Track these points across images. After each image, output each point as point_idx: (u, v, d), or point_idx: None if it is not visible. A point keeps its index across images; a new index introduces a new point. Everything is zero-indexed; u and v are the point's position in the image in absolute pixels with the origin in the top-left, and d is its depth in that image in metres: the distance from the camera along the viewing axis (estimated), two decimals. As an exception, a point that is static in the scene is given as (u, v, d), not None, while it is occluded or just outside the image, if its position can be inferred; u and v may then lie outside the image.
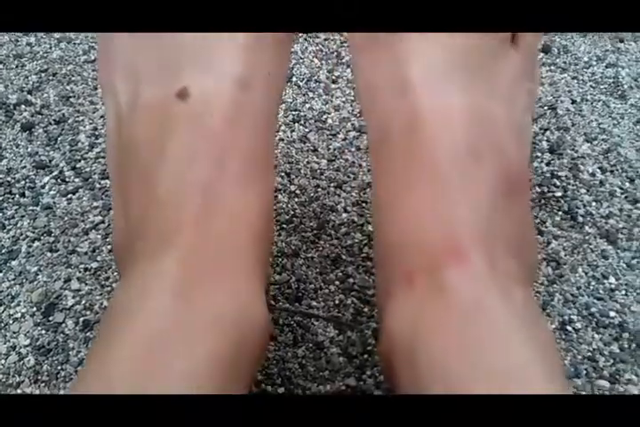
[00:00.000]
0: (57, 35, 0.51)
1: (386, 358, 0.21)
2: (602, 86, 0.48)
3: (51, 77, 0.47)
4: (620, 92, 0.48)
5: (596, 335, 0.32)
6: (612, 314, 0.33)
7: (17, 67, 0.48)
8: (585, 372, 0.31)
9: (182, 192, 0.22)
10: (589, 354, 0.31)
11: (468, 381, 0.18)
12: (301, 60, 0.50)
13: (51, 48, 0.50)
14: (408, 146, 0.23)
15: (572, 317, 0.33)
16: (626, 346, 0.32)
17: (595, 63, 0.50)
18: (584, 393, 0.30)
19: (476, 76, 0.23)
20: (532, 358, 0.19)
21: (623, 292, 0.34)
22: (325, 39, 0.52)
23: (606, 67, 0.50)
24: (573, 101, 0.47)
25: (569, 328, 0.32)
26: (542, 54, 0.51)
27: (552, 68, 0.50)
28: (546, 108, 0.46)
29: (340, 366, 0.31)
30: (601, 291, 0.34)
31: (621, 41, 0.53)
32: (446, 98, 0.23)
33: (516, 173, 0.23)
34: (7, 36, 0.51)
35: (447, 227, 0.21)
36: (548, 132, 0.44)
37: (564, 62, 0.50)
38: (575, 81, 0.49)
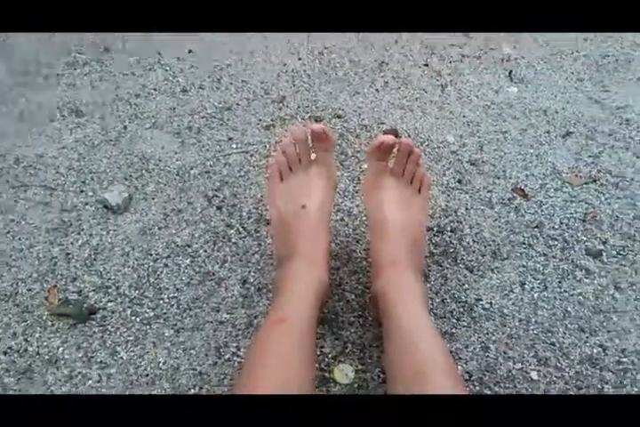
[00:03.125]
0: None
1: (373, 302, 0.73)
2: (483, 200, 1.02)
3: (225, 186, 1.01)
4: (490, 204, 1.02)
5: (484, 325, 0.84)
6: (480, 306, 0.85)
7: (205, 178, 1.02)
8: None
9: (301, 244, 0.75)
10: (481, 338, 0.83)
11: (403, 313, 0.68)
12: (340, 180, 1.04)
13: (221, 168, 1.04)
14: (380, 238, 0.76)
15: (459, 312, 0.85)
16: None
17: (482, 190, 1.04)
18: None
19: (406, 208, 0.77)
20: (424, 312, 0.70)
21: (485, 301, 0.86)
22: (352, 169, 1.07)
23: (487, 192, 1.04)
24: (467, 209, 1.00)
25: (460, 319, 0.84)
26: (457, 183, 1.05)
27: (459, 191, 1.04)
28: (453, 212, 0.99)
29: (358, 307, 0.82)
30: (468, 299, 0.86)
31: (497, 178, 1.08)
32: (390, 214, 0.76)
33: (418, 238, 0.76)
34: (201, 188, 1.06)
35: (394, 254, 0.74)
36: (451, 223, 0.97)
37: (467, 191, 1.04)
38: (471, 199, 1.03)
